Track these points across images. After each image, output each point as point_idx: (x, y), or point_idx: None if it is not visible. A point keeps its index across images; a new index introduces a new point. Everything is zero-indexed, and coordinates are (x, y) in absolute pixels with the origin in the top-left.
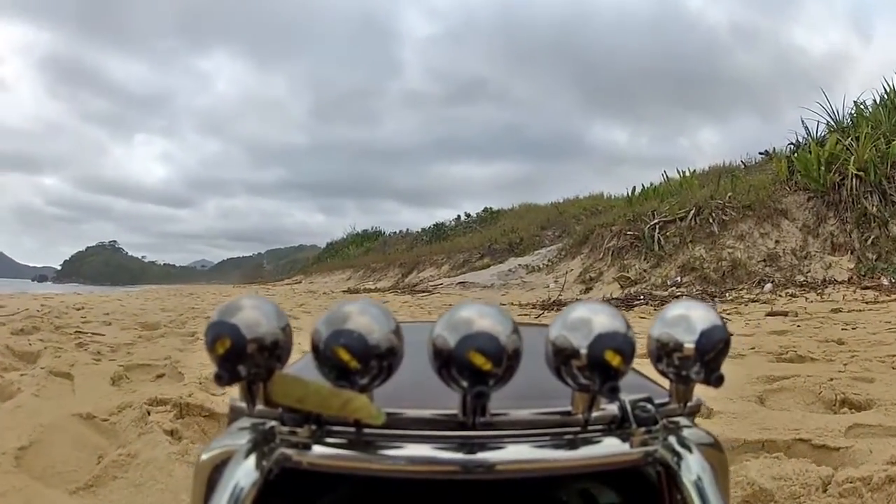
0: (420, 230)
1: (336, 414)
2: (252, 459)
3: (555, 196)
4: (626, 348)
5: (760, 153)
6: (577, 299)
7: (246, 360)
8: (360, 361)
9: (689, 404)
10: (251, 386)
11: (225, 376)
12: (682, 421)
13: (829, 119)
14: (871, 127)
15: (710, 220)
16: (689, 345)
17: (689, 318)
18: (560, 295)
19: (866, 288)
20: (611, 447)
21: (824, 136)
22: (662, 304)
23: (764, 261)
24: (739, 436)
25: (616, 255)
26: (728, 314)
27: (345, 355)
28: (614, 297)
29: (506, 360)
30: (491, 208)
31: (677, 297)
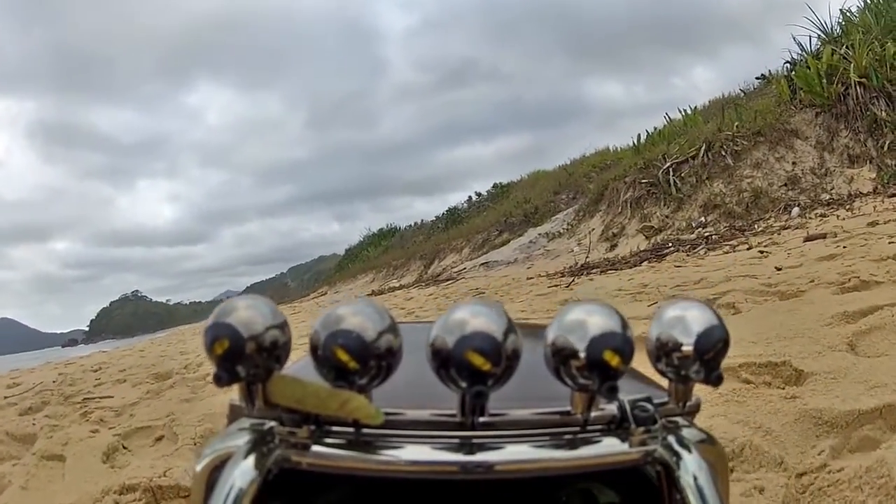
0: (435, 218)
1: (335, 414)
2: (251, 460)
3: (562, 160)
4: (624, 348)
5: (757, 78)
6: (605, 259)
7: (244, 360)
8: (358, 362)
9: (688, 404)
10: (250, 386)
11: (224, 377)
12: (681, 420)
13: (820, 32)
14: (862, 33)
15: (723, 153)
16: (688, 345)
17: (687, 319)
18: (587, 258)
19: (893, 196)
20: (610, 447)
21: (818, 49)
22: (693, 249)
23: (785, 185)
24: (847, 406)
25: (635, 206)
26: (764, 246)
27: (343, 356)
28: (642, 249)
29: (504, 360)
30: (500, 183)
31: (706, 237)
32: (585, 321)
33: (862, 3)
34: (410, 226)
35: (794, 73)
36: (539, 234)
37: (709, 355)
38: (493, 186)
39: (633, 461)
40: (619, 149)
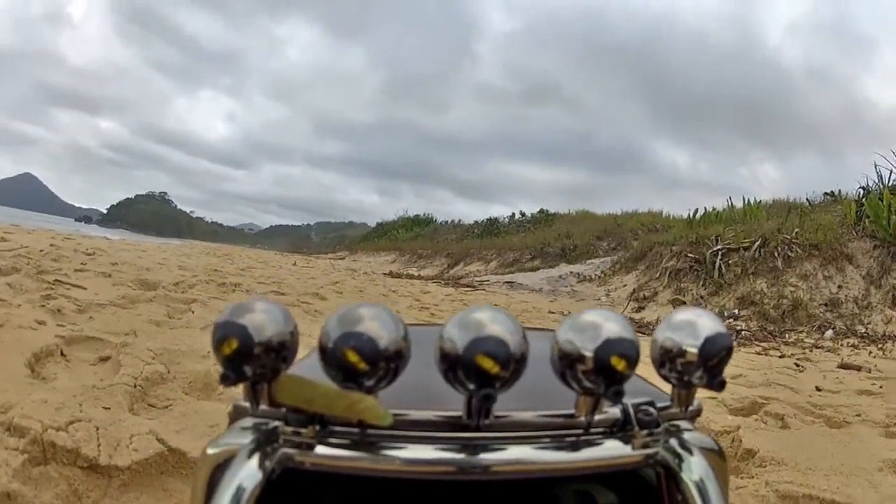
0: (473, 222)
1: (343, 415)
2: (255, 459)
3: (610, 208)
4: (631, 353)
5: (826, 193)
6: (631, 318)
7: (252, 360)
8: (368, 363)
9: (690, 408)
10: (255, 386)
11: (231, 376)
12: (684, 424)
13: None
14: None
15: (776, 255)
16: (693, 350)
17: (692, 325)
18: (612, 310)
19: None
20: (612, 449)
21: (888, 185)
22: None
23: (825, 305)
24: None
25: (673, 277)
26: (797, 359)
27: (353, 357)
28: None
29: (513, 364)
30: (547, 210)
31: (738, 331)
32: (593, 326)
33: None
34: (446, 221)
35: (865, 199)
36: (570, 272)
37: (712, 362)
38: (539, 211)
39: (635, 464)
40: (671, 216)
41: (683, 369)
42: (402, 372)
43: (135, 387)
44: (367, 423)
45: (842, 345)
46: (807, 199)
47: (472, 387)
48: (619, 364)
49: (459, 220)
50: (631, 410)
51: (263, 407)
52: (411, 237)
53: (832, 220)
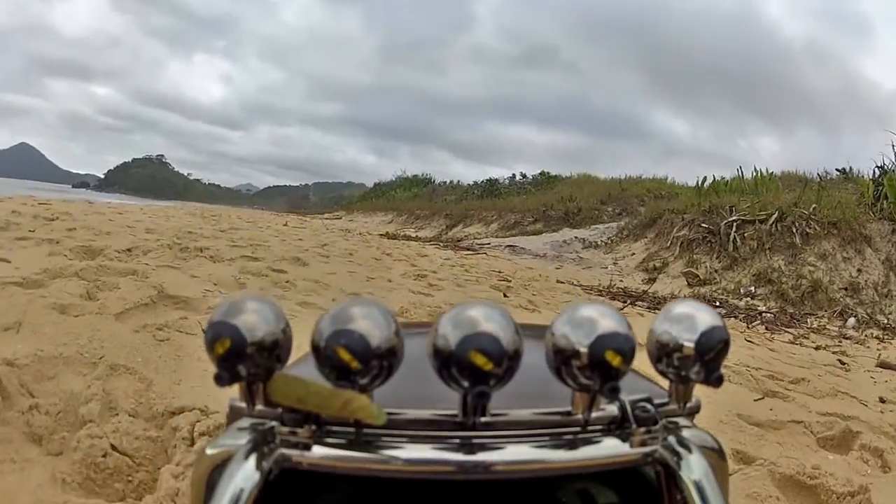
0: (472, 183)
1: (337, 414)
2: (252, 460)
3: (610, 173)
4: (626, 348)
5: (838, 170)
6: (644, 291)
7: (246, 360)
8: (361, 362)
9: (688, 404)
10: (251, 386)
11: (225, 377)
12: (682, 421)
13: None
14: None
15: (793, 230)
16: (689, 345)
17: (688, 319)
18: (621, 281)
19: None
20: (610, 447)
21: None
22: (749, 322)
23: (845, 289)
24: None
25: (685, 247)
26: (832, 352)
27: (346, 355)
28: (683, 295)
29: (506, 361)
30: (548, 172)
31: (760, 313)
32: (587, 321)
33: None
34: (445, 182)
35: (884, 179)
36: (575, 238)
37: (709, 356)
38: (540, 174)
39: (633, 461)
40: (676, 183)
41: (680, 364)
42: (396, 370)
43: None
44: (362, 422)
45: (866, 336)
46: (818, 175)
47: (466, 384)
48: (614, 359)
49: (458, 181)
50: (628, 407)
51: (260, 407)
52: (409, 197)
53: (850, 198)
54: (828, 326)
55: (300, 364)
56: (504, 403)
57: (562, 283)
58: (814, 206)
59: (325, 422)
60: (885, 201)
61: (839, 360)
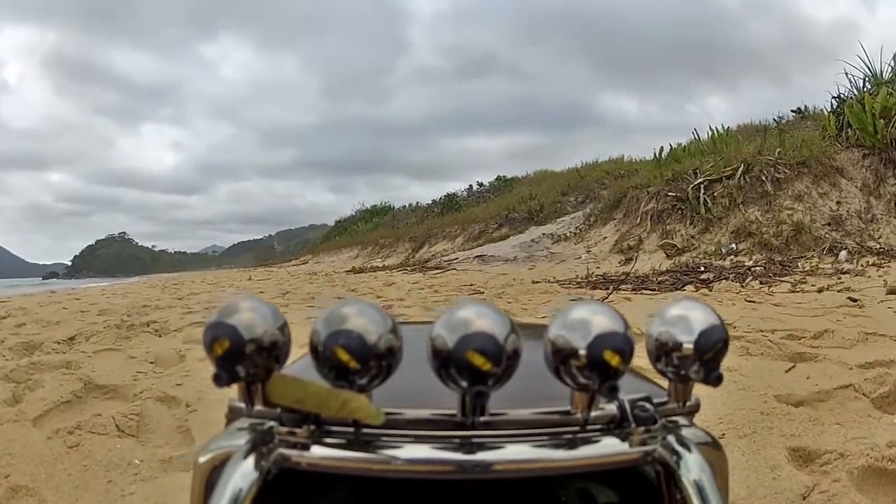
0: (431, 202)
1: (335, 414)
2: (251, 460)
3: (568, 164)
4: (625, 348)
5: (793, 111)
6: (624, 273)
7: (244, 360)
8: (359, 362)
9: (688, 403)
10: (249, 386)
11: (224, 377)
12: (682, 420)
13: (868, 73)
14: None
15: (763, 179)
16: (688, 344)
17: (687, 318)
18: (598, 267)
19: None
20: (610, 447)
21: (869, 90)
22: (741, 279)
23: (828, 224)
24: None
25: (656, 220)
26: (837, 291)
27: (344, 355)
28: (664, 268)
29: (505, 360)
30: (504, 176)
31: (749, 268)
32: (586, 320)
33: None
34: (404, 206)
35: (844, 109)
36: (543, 234)
37: (709, 355)
38: (497, 179)
39: (632, 461)
40: (634, 159)
41: (679, 364)
42: (395, 370)
43: None
44: (361, 422)
45: (862, 265)
46: (774, 121)
47: (464, 384)
48: (612, 359)
49: (417, 203)
50: (627, 407)
51: (258, 407)
52: (371, 228)
53: (812, 135)
54: (820, 265)
55: (299, 364)
56: (503, 403)
57: (537, 282)
58: (778, 150)
59: (323, 422)
60: (848, 130)
61: (850, 299)
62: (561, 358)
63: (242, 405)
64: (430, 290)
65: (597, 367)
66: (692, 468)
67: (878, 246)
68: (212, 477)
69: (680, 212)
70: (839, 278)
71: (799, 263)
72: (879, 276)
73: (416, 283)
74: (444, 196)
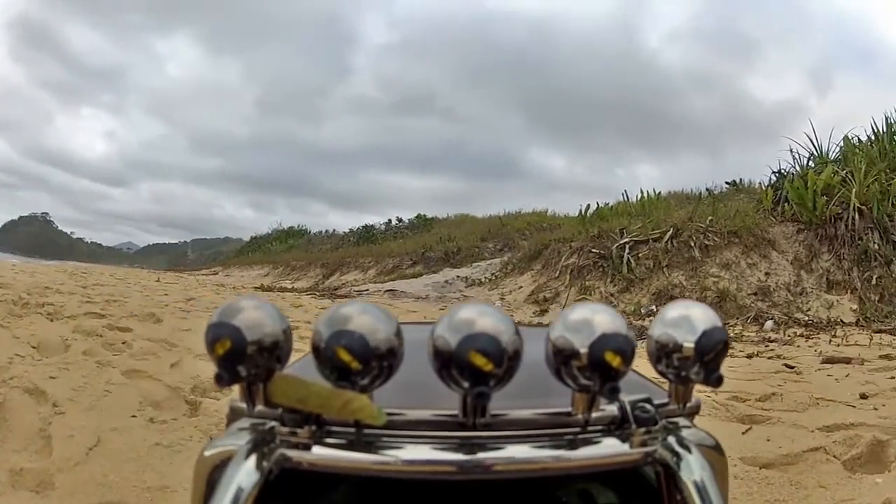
0: (348, 230)
1: (337, 414)
2: (252, 460)
3: (491, 212)
4: (626, 349)
5: (728, 183)
6: (536, 324)
7: (246, 360)
8: (360, 362)
9: (688, 405)
10: (251, 386)
11: (225, 377)
12: (682, 421)
13: (814, 152)
14: (866, 163)
15: (691, 245)
16: (689, 345)
17: (688, 319)
18: (512, 315)
19: (880, 331)
20: (610, 447)
21: (811, 168)
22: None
23: (755, 294)
24: None
25: (576, 275)
26: (768, 358)
27: (346, 356)
28: None
29: (506, 361)
30: (424, 215)
31: None
32: (587, 322)
33: (865, 137)
34: (321, 232)
35: (785, 184)
36: (457, 277)
37: (709, 356)
38: (417, 217)
39: (633, 462)
40: (557, 214)
41: (680, 365)
42: (396, 370)
43: None
44: (362, 422)
45: (789, 335)
46: (706, 189)
47: (466, 385)
48: (613, 360)
49: (334, 230)
50: (628, 407)
51: (260, 407)
52: (285, 249)
53: (747, 206)
54: (745, 333)
55: (300, 365)
56: (504, 404)
57: None
58: (710, 218)
59: (325, 422)
60: (785, 204)
61: (785, 365)
62: (562, 359)
63: (244, 405)
64: None
65: (598, 368)
66: (692, 469)
67: (805, 318)
68: (213, 476)
69: (601, 269)
70: (767, 345)
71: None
72: (809, 347)
73: (324, 308)
74: (362, 227)
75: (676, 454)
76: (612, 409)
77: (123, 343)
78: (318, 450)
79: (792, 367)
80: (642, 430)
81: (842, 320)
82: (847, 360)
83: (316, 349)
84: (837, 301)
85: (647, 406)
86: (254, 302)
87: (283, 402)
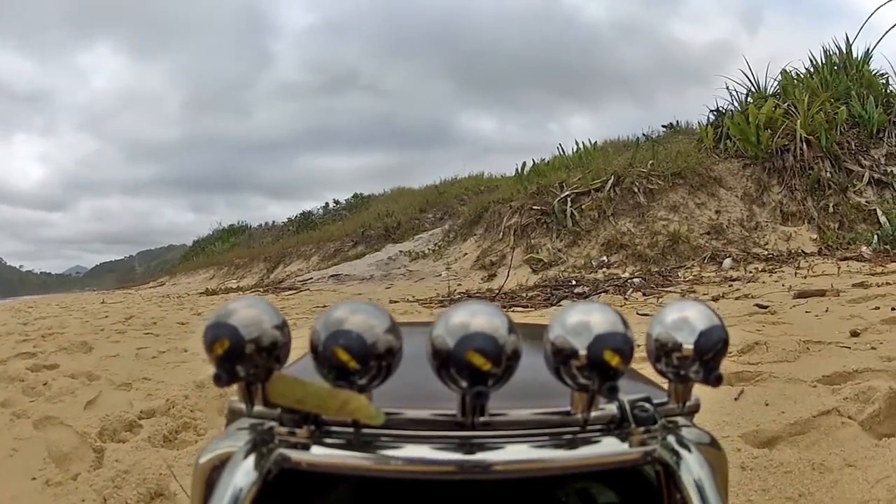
0: (286, 220)
1: (335, 414)
2: (251, 460)
3: (424, 182)
4: (625, 348)
5: (664, 126)
6: (485, 290)
7: (244, 360)
8: (358, 362)
9: (687, 404)
10: (250, 386)
11: (224, 377)
12: (681, 420)
13: (751, 88)
14: (808, 94)
15: (635, 191)
16: (688, 345)
17: (687, 318)
18: (460, 284)
19: (845, 259)
20: (610, 447)
21: (751, 103)
22: (622, 291)
23: (708, 233)
24: None
25: (520, 235)
26: (735, 298)
27: (344, 356)
28: (533, 283)
29: (505, 360)
30: (361, 194)
31: (622, 279)
32: (586, 321)
33: (804, 70)
34: (261, 225)
35: (725, 121)
36: (400, 252)
37: (708, 356)
38: (354, 196)
39: (632, 461)
40: (494, 176)
41: (679, 364)
42: (395, 370)
43: None
44: (361, 422)
45: (751, 271)
46: (643, 135)
47: (464, 385)
48: (612, 359)
49: (273, 222)
50: (627, 407)
51: (258, 408)
52: (227, 248)
53: (688, 147)
54: (703, 274)
55: (299, 365)
56: (503, 403)
57: (396, 301)
58: (651, 162)
59: (323, 422)
60: (727, 141)
61: (757, 305)
62: (561, 358)
63: (242, 405)
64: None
65: (597, 368)
66: (692, 468)
67: (765, 252)
68: (212, 477)
69: (545, 226)
70: (730, 285)
71: (679, 273)
72: (775, 282)
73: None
74: (300, 214)
75: (676, 453)
76: (611, 408)
77: (44, 385)
78: (316, 450)
79: (765, 308)
80: (641, 429)
81: (803, 251)
82: (821, 293)
83: (314, 349)
84: (795, 232)
85: (647, 405)
86: (252, 302)
87: (282, 402)
